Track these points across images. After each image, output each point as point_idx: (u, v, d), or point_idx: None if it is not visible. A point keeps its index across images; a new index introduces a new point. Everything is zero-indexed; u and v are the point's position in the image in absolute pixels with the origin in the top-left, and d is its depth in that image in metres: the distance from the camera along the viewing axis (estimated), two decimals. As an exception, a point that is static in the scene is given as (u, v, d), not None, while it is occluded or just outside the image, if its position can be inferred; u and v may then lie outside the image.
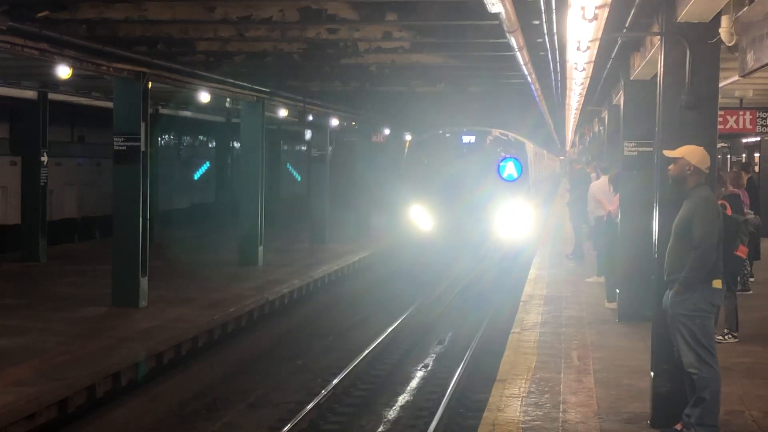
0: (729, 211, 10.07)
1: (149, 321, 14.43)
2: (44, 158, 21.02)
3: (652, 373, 8.09)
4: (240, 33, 12.89)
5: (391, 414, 12.57)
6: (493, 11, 7.95)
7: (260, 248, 21.07)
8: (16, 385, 10.61)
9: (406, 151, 27.35)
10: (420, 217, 23.47)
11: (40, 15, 11.47)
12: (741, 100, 19.12)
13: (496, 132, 25.00)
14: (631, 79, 12.43)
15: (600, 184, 16.46)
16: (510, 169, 23.40)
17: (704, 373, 7.31)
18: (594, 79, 13.90)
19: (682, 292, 7.39)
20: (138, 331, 13.66)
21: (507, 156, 23.76)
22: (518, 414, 8.53)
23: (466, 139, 24.36)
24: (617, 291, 13.10)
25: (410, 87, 20.26)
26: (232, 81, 18.45)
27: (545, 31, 10.61)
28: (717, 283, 7.44)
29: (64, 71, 13.91)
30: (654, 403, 8.05)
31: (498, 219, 22.72)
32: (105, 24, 12.31)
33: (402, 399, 13.30)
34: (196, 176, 34.59)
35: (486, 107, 25.99)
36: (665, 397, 7.89)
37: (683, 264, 7.37)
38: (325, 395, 12.63)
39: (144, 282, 15.49)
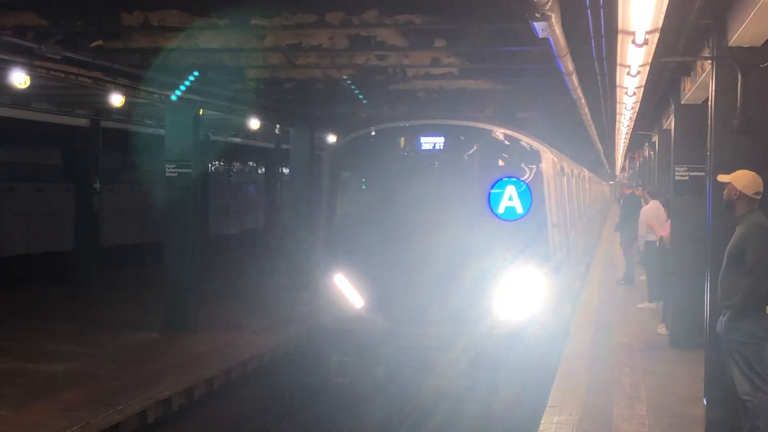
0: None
1: (201, 346, 14.53)
2: (97, 185, 21.31)
3: (705, 401, 8.00)
4: (289, 60, 13.01)
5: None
6: (542, 36, 7.96)
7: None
8: (69, 410, 10.74)
9: (323, 169, 13.03)
10: (342, 292, 11.90)
11: (93, 44, 11.67)
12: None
13: (498, 132, 12.57)
14: (682, 103, 12.35)
15: (651, 209, 16.31)
16: (510, 198, 11.82)
17: (759, 400, 7.21)
18: (644, 103, 13.82)
19: (736, 318, 7.31)
20: (190, 357, 13.76)
21: (505, 176, 11.91)
22: (569, 441, 8.46)
23: (426, 143, 12.16)
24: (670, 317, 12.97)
25: (458, 112, 20.25)
26: (281, 107, 18.58)
27: (594, 56, 10.59)
28: (771, 309, 7.35)
29: (117, 99, 14.17)
30: (708, 431, 7.95)
31: (491, 302, 11.39)
32: (157, 52, 12.48)
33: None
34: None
35: (532, 131, 25.74)
36: (719, 425, 7.80)
37: (736, 290, 7.29)
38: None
39: (195, 307, 15.59)
